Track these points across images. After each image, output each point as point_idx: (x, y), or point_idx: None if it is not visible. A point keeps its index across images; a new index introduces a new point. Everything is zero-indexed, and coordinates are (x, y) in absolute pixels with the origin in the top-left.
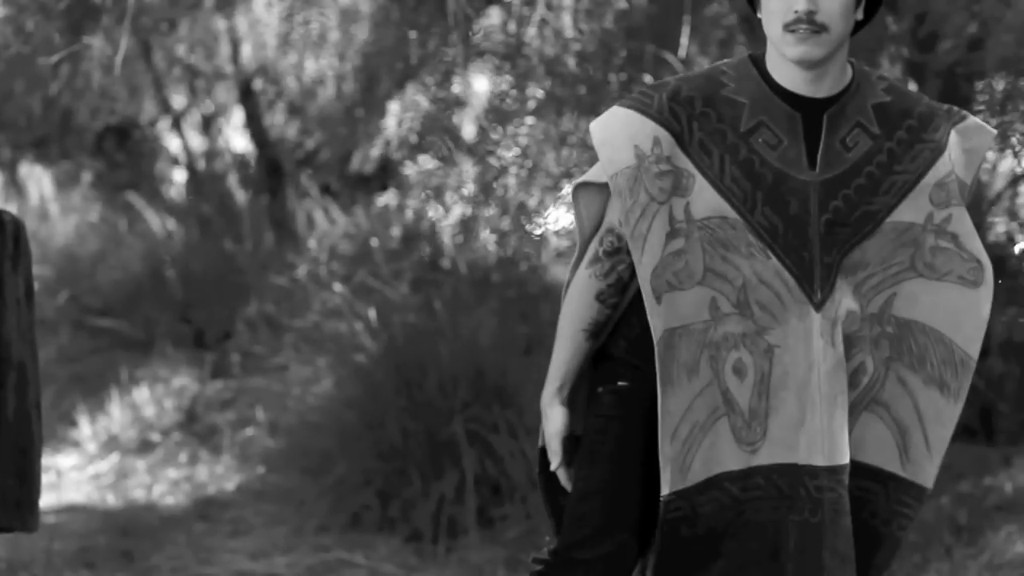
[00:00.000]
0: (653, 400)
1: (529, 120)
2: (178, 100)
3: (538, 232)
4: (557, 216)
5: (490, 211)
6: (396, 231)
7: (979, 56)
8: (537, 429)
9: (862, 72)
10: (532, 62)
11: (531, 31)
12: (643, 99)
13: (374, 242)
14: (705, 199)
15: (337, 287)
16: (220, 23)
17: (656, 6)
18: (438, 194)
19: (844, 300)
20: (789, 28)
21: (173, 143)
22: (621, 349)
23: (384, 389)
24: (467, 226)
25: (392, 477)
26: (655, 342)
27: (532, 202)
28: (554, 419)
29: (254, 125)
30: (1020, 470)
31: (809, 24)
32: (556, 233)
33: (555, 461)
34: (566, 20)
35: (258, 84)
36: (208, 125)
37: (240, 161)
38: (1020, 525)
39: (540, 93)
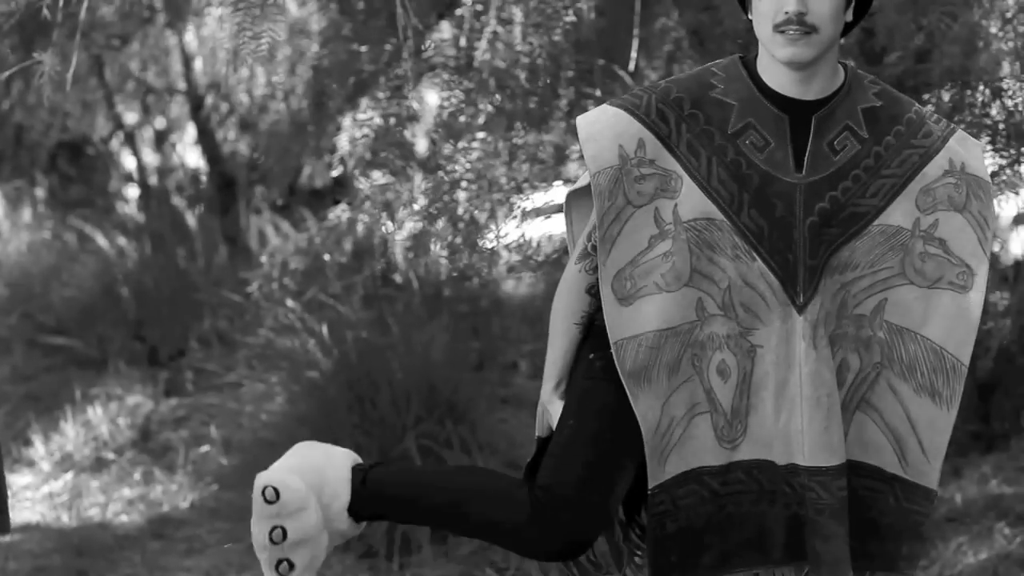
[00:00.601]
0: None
1: (480, 134)
2: (131, 116)
3: (489, 247)
4: (508, 230)
5: (441, 226)
6: (348, 246)
7: (926, 68)
8: (489, 444)
9: (855, 75)
10: (483, 76)
11: (482, 45)
12: (633, 99)
13: (326, 257)
14: (692, 200)
15: (289, 303)
16: (172, 39)
17: (605, 20)
18: (390, 209)
19: (826, 301)
20: (779, 29)
21: (126, 159)
22: None
23: (337, 405)
24: (419, 241)
25: None
26: (613, 343)
27: (483, 217)
28: (556, 413)
29: (206, 140)
30: (970, 481)
31: (799, 25)
32: (507, 248)
33: None
34: (516, 34)
35: (210, 99)
36: (161, 141)
37: (193, 177)
38: (971, 536)
39: (490, 107)
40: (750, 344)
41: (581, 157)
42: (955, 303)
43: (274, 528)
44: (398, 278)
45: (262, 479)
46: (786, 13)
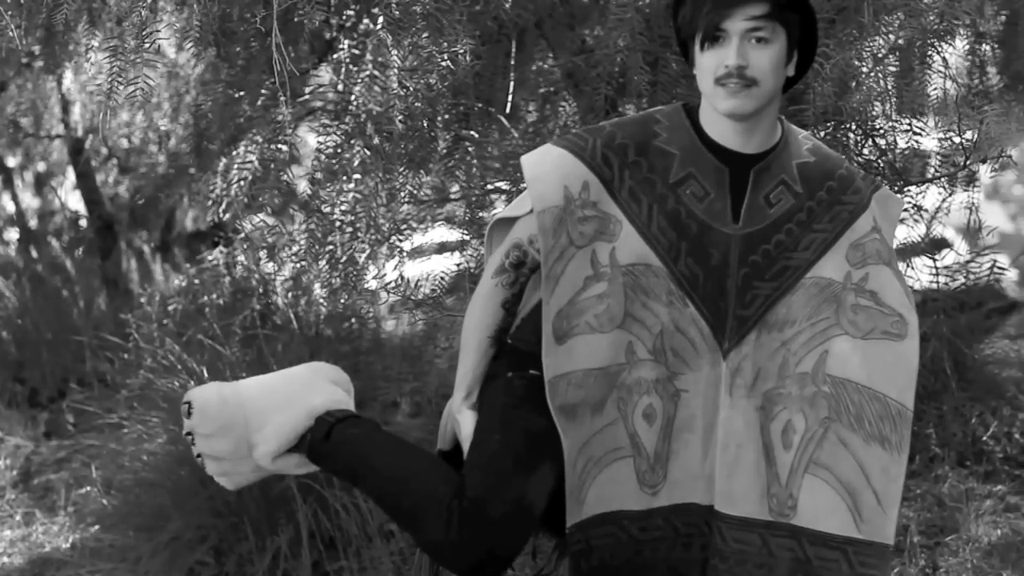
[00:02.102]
0: None
1: (357, 176)
2: (10, 160)
3: (369, 287)
4: (387, 271)
5: (321, 266)
6: (227, 287)
7: (800, 108)
8: None
9: (790, 130)
10: (360, 119)
11: (358, 89)
12: (578, 142)
13: (205, 299)
14: (631, 245)
15: (169, 344)
16: (50, 83)
17: (480, 64)
18: (270, 250)
19: (756, 354)
20: (720, 82)
21: (5, 202)
22: (532, 344)
23: None
24: (298, 281)
25: (227, 533)
26: (547, 380)
27: (362, 257)
28: (467, 424)
29: (86, 184)
30: None
31: (739, 79)
32: (387, 288)
33: None
34: (393, 78)
35: (89, 143)
36: (41, 184)
37: (73, 220)
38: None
39: (366, 151)
40: (675, 388)
41: (462, 198)
42: (892, 351)
43: (188, 434)
44: (278, 319)
45: (189, 393)
46: (726, 67)
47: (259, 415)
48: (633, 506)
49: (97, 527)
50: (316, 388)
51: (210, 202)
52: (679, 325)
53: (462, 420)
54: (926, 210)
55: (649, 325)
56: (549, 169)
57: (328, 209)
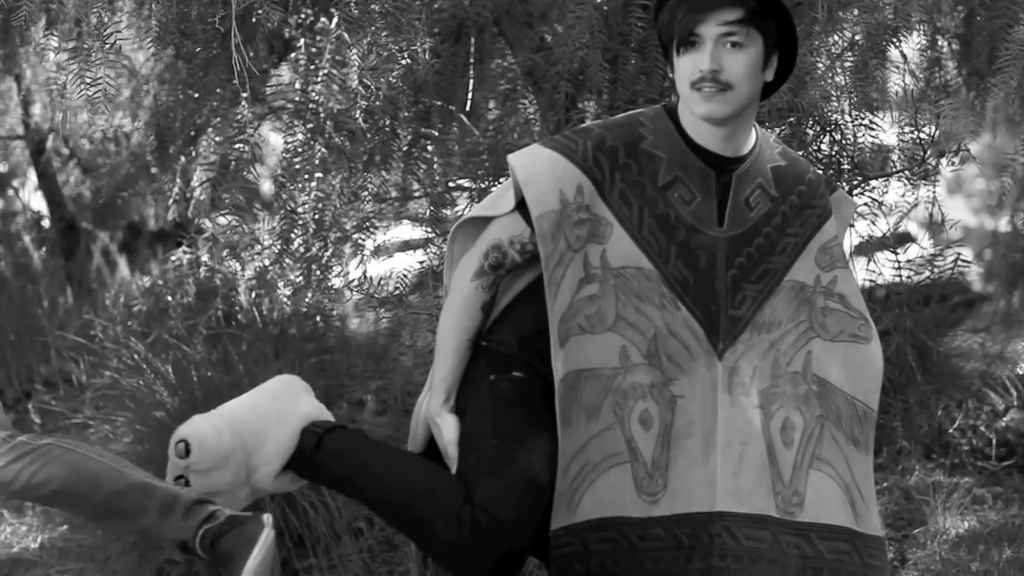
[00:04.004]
0: (548, 395)
1: (319, 174)
2: None
3: (333, 285)
4: (351, 269)
5: (285, 265)
6: (191, 287)
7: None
8: None
9: (762, 135)
10: (320, 118)
11: (318, 87)
12: (568, 144)
13: (169, 298)
14: (622, 248)
15: (134, 344)
16: (9, 83)
17: (441, 61)
18: (233, 249)
19: (750, 354)
20: (696, 86)
21: None
22: (512, 346)
23: None
24: (263, 280)
25: None
26: (555, 383)
27: (326, 256)
28: (448, 427)
29: (47, 184)
30: None
31: (714, 83)
32: (350, 286)
33: (454, 466)
34: (352, 77)
35: (50, 143)
36: (2, 185)
37: (35, 220)
38: None
39: (325, 150)
40: (671, 395)
41: (425, 195)
42: (859, 354)
43: (179, 477)
44: (242, 318)
45: (179, 432)
46: (701, 71)
47: (254, 436)
48: (632, 513)
49: (65, 527)
50: (300, 398)
51: (172, 201)
52: (672, 328)
53: (443, 424)
54: (887, 205)
55: (642, 329)
56: (541, 171)
57: (291, 208)
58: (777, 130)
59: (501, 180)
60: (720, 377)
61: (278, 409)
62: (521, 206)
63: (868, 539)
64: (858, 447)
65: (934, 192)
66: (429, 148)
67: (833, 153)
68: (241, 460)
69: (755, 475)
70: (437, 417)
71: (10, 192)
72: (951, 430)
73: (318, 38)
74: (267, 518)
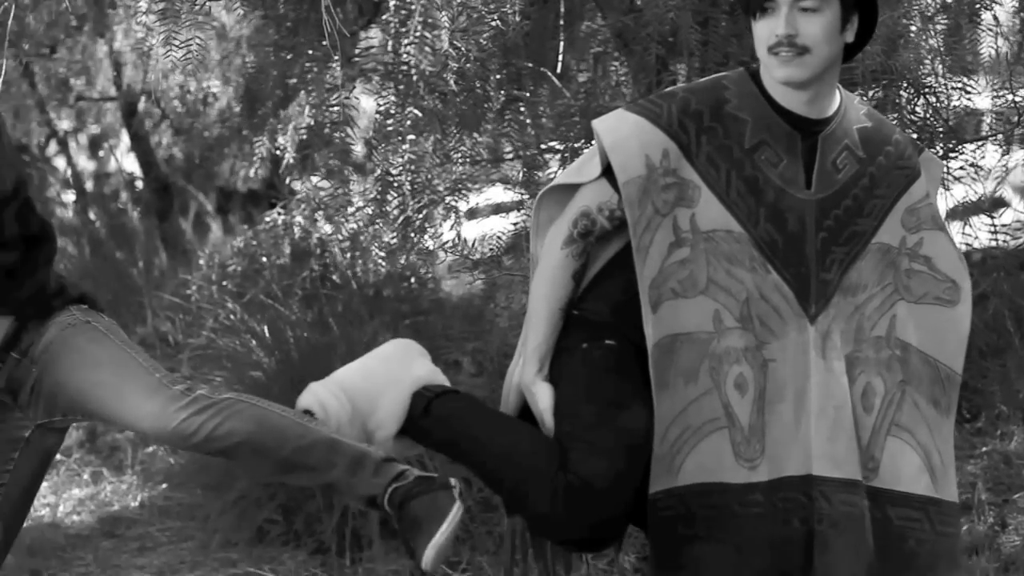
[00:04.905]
0: (641, 362)
1: (412, 137)
2: (64, 123)
3: (426, 247)
4: (444, 231)
5: (378, 227)
6: (286, 248)
7: (850, 67)
8: None
9: (847, 96)
10: (412, 80)
11: (410, 49)
12: (653, 108)
13: (264, 259)
14: (711, 212)
15: (230, 304)
16: (102, 47)
17: (530, 24)
18: (326, 211)
19: (839, 318)
20: (773, 51)
21: (62, 165)
22: (604, 314)
23: (281, 403)
24: (356, 242)
25: (295, 491)
26: (649, 349)
27: (419, 218)
28: (543, 396)
29: (140, 146)
30: None
31: (790, 47)
32: (444, 248)
33: (551, 435)
34: (444, 39)
35: (142, 105)
36: (96, 147)
37: (129, 182)
38: None
39: (419, 112)
40: (763, 358)
41: (516, 157)
42: (943, 316)
43: None
44: (337, 279)
45: (302, 401)
46: (776, 36)
47: (368, 402)
48: (732, 479)
49: (165, 486)
50: (413, 362)
51: (262, 163)
52: (763, 291)
53: (538, 393)
54: (983, 169)
55: (734, 292)
56: (627, 136)
57: (384, 170)
58: (870, 93)
59: (593, 143)
60: (813, 341)
61: (390, 373)
62: (608, 172)
63: (944, 506)
64: (939, 410)
65: None
66: (522, 110)
67: (927, 117)
68: (359, 426)
69: (850, 440)
70: (532, 386)
71: (102, 154)
72: None
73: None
74: (457, 491)
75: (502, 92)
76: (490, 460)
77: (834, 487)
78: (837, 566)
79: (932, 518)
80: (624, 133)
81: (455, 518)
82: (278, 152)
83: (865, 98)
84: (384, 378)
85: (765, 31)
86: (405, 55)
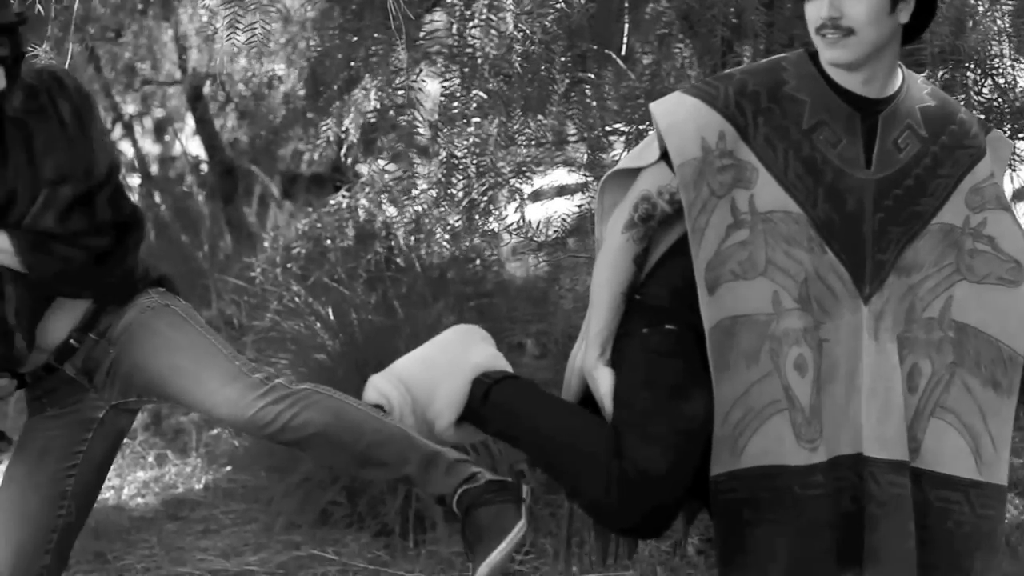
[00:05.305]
0: (701, 347)
1: (477, 119)
2: (130, 107)
3: (491, 229)
4: (509, 213)
5: (442, 209)
6: (350, 230)
7: (918, 48)
8: None
9: (909, 76)
10: (477, 62)
11: (474, 32)
12: (709, 90)
13: (328, 242)
14: (768, 193)
15: (294, 287)
16: (166, 30)
17: (595, 6)
18: (391, 193)
19: (892, 299)
20: (819, 32)
21: (127, 149)
22: (663, 299)
23: (346, 386)
24: (420, 225)
25: None
26: (707, 331)
27: (483, 200)
28: (604, 381)
29: (205, 129)
30: None
31: (835, 29)
32: (508, 230)
33: (610, 420)
34: (508, 21)
35: (207, 89)
36: (160, 130)
37: (194, 165)
38: None
39: (483, 95)
40: (819, 339)
41: (580, 140)
42: (1007, 296)
43: None
44: (401, 261)
45: (368, 394)
46: (821, 17)
47: (427, 391)
48: (793, 462)
49: (229, 468)
50: (473, 348)
51: (327, 146)
52: (820, 272)
53: (599, 378)
54: None
55: (793, 273)
56: (683, 119)
57: (449, 153)
58: (938, 74)
59: None
60: (866, 322)
61: (449, 361)
62: (667, 155)
63: (987, 488)
64: (999, 391)
65: None
66: (587, 92)
67: (994, 98)
68: (419, 416)
69: (898, 422)
70: (593, 370)
71: (168, 137)
72: None
73: None
74: (525, 505)
75: (567, 75)
76: (546, 447)
77: (883, 468)
78: (884, 546)
79: (972, 500)
80: (680, 116)
81: (515, 537)
82: (343, 136)
83: (933, 80)
84: (443, 367)
85: (813, 12)
86: (470, 38)
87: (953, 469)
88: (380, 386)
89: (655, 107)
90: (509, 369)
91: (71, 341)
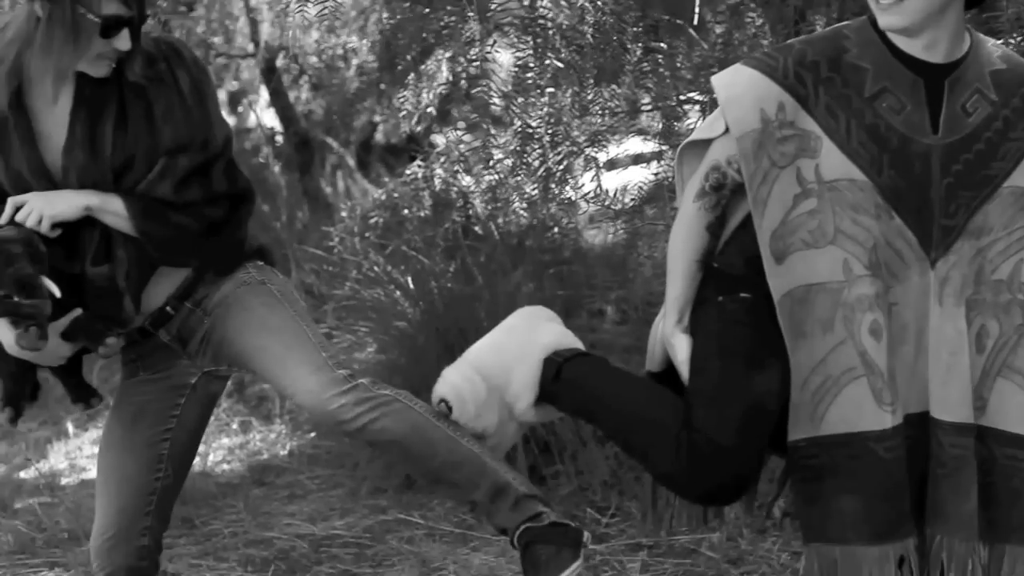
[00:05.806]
0: (776, 316)
1: (550, 89)
2: None
3: (567, 198)
4: (585, 182)
5: (519, 179)
6: (426, 200)
7: (994, 15)
8: None
9: (978, 39)
10: (549, 33)
11: (546, 3)
12: (769, 61)
13: (406, 211)
14: (833, 161)
15: (373, 256)
16: (238, 4)
17: None
18: (466, 163)
19: (960, 263)
20: None
21: None
22: (738, 267)
23: (427, 353)
24: (497, 194)
25: None
26: (776, 300)
27: (559, 169)
28: (682, 348)
29: (279, 102)
30: None
31: None
32: (585, 199)
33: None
34: None
35: (280, 62)
36: (235, 103)
37: (269, 137)
38: None
39: (558, 64)
40: (889, 303)
41: (654, 109)
42: None
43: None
44: (478, 230)
45: (437, 392)
46: None
47: (501, 375)
48: (874, 426)
49: (313, 434)
50: (540, 329)
51: (403, 117)
52: (888, 237)
53: (677, 345)
54: None
55: (861, 240)
56: (743, 91)
57: (524, 122)
58: (1016, 40)
59: None
60: (932, 286)
61: (519, 344)
62: None
63: None
64: None
65: None
66: (660, 62)
67: None
68: (500, 399)
69: (964, 385)
70: (672, 338)
71: (242, 110)
72: None
73: None
74: (583, 550)
75: (639, 45)
76: (617, 420)
77: (945, 430)
78: (945, 505)
79: None
80: (740, 89)
81: (573, 572)
82: (418, 107)
83: (1009, 45)
84: (513, 351)
85: None
86: (542, 8)
87: (1019, 428)
88: (452, 379)
89: (716, 80)
90: (579, 346)
91: (167, 308)
